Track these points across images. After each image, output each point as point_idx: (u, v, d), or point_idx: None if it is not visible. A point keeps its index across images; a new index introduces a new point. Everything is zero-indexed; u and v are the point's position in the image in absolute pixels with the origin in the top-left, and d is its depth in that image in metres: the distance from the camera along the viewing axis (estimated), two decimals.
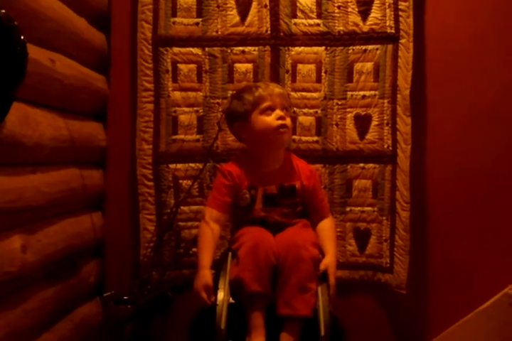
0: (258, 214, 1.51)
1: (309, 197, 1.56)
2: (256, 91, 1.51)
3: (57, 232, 1.52)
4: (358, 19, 1.80)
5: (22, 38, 1.07)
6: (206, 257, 1.45)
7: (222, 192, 1.52)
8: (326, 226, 1.56)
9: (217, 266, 1.47)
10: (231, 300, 1.35)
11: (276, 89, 1.52)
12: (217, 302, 1.32)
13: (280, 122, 1.48)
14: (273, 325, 1.31)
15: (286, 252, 1.35)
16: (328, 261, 1.43)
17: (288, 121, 1.50)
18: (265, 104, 1.49)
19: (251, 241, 1.37)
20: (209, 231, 1.48)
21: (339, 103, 1.82)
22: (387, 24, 1.79)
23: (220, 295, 1.34)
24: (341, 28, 1.80)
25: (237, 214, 1.56)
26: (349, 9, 1.80)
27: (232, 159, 1.61)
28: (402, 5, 1.78)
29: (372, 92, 1.81)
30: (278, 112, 1.48)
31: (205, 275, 1.40)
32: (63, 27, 1.53)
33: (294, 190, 1.53)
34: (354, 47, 1.81)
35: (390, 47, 1.79)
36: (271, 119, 1.48)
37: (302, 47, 1.82)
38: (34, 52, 1.32)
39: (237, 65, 1.83)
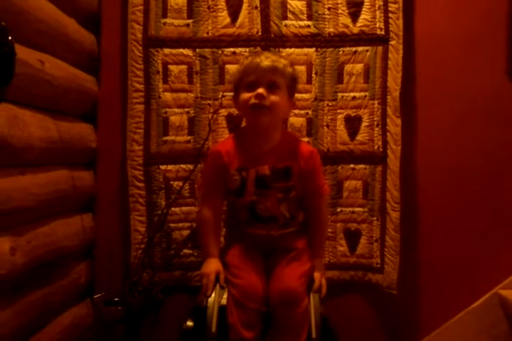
0: (250, 198, 1.42)
1: (307, 180, 1.44)
2: (244, 62, 1.41)
3: (47, 234, 1.51)
4: (348, 21, 1.81)
5: (10, 38, 1.06)
6: (212, 247, 1.42)
7: (212, 176, 1.45)
8: (319, 221, 1.50)
9: None
10: (222, 302, 1.35)
11: (264, 61, 1.37)
12: (208, 305, 1.32)
13: (254, 101, 1.35)
14: None
15: (276, 300, 1.30)
16: (315, 266, 1.41)
17: (269, 100, 1.36)
18: (248, 79, 1.38)
19: (240, 295, 1.29)
20: (210, 219, 1.43)
21: (330, 104, 1.82)
22: (377, 26, 1.80)
23: (211, 297, 1.33)
24: (331, 29, 1.81)
25: (229, 199, 1.49)
26: (339, 11, 1.81)
27: (224, 138, 1.55)
28: (391, 7, 1.79)
29: (363, 94, 1.82)
30: (258, 90, 1.35)
31: (217, 262, 1.38)
32: (52, 28, 1.52)
33: (288, 172, 1.42)
34: (344, 49, 1.81)
35: (379, 48, 1.80)
36: (248, 96, 1.37)
37: (293, 49, 1.82)
38: (23, 53, 1.31)
39: (228, 66, 1.83)
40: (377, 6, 1.80)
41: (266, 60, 1.38)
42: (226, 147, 1.46)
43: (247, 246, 1.43)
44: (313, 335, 1.28)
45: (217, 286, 1.35)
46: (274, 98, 1.37)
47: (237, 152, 1.44)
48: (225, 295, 1.33)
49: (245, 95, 1.38)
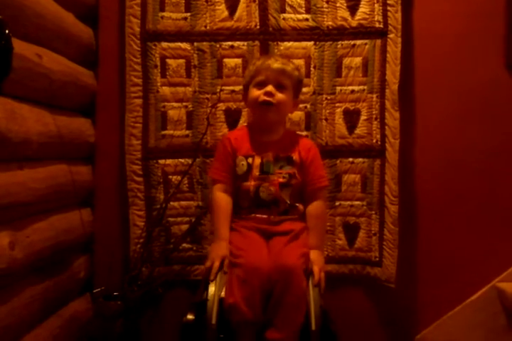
0: (254, 182, 1.51)
1: (307, 169, 1.55)
2: (255, 63, 1.56)
3: (46, 228, 1.51)
4: (346, 14, 1.80)
5: (7, 31, 1.06)
6: (223, 229, 1.48)
7: (223, 162, 1.56)
8: (317, 212, 1.54)
9: None
10: (222, 294, 1.35)
11: (274, 64, 1.52)
12: (208, 298, 1.32)
13: (263, 98, 1.51)
14: None
15: (276, 277, 1.32)
16: (314, 259, 1.43)
17: (276, 98, 1.51)
18: (258, 79, 1.53)
19: (244, 273, 1.32)
20: (222, 202, 1.52)
21: (328, 98, 1.82)
22: (376, 19, 1.79)
23: (211, 290, 1.34)
24: (330, 22, 1.80)
25: (234, 183, 1.55)
26: (338, 4, 1.80)
27: (236, 128, 1.74)
28: (390, 0, 1.78)
29: (361, 87, 1.81)
30: (267, 88, 1.51)
31: (224, 247, 1.43)
32: (50, 22, 1.51)
33: (290, 160, 1.54)
34: (343, 42, 1.81)
35: (378, 42, 1.79)
36: (258, 93, 1.52)
37: (291, 42, 1.81)
38: (20, 47, 1.31)
39: (226, 60, 1.82)
40: None
41: (276, 62, 1.54)
42: (235, 135, 1.61)
43: (248, 230, 1.48)
44: (313, 327, 1.29)
45: (219, 275, 1.36)
46: (280, 96, 1.52)
47: (245, 140, 1.58)
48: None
49: (255, 92, 1.53)
